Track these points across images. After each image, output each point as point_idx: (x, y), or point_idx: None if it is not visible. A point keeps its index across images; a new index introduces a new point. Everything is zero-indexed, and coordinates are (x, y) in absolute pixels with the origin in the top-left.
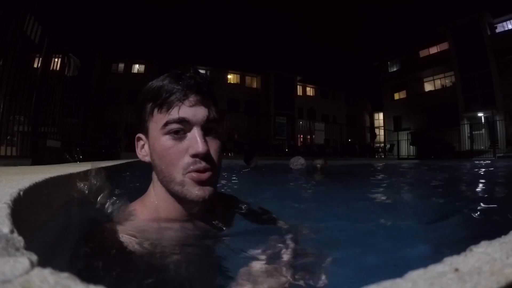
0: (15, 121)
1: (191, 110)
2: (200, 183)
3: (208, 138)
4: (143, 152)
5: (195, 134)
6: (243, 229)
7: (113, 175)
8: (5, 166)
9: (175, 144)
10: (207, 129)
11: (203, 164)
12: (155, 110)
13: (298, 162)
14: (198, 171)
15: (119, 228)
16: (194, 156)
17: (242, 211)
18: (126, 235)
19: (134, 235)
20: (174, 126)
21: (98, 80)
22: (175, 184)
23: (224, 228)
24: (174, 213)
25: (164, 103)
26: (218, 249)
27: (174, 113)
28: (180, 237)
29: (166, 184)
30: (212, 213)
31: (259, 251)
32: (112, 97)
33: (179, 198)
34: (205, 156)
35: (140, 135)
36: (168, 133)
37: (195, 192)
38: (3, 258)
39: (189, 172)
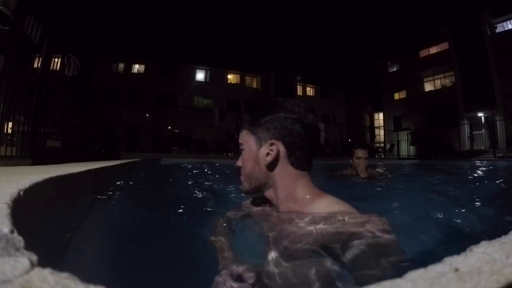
0: (15, 121)
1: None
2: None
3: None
4: None
5: None
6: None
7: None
8: (5, 166)
9: None
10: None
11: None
12: None
13: None
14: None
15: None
16: None
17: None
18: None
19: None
20: None
21: (98, 80)
22: None
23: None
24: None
25: None
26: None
27: None
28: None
29: None
30: (273, 207)
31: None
32: (112, 97)
33: None
34: (239, 167)
35: None
36: None
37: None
38: (3, 258)
39: None
